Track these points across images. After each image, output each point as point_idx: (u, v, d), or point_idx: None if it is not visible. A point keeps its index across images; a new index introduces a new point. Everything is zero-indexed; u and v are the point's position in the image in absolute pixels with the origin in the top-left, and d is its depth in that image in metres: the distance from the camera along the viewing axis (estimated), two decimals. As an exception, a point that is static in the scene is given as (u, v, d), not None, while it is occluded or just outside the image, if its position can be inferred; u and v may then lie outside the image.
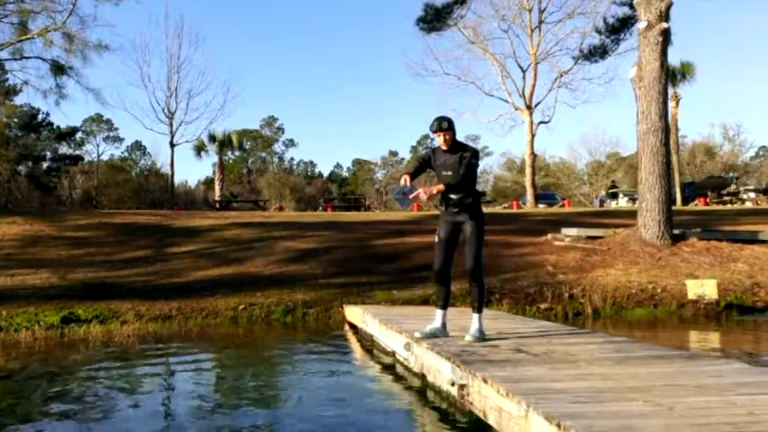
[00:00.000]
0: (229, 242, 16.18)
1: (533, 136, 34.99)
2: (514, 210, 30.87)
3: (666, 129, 13.59)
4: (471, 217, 5.99)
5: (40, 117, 56.46)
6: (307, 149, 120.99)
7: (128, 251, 15.34)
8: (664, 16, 13.51)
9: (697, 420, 3.27)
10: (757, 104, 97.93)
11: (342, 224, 19.00)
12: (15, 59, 26.34)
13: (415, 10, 32.40)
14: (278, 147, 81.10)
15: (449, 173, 5.94)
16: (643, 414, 3.39)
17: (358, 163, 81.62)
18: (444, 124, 5.93)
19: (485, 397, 4.23)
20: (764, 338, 9.35)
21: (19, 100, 48.41)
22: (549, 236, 14.94)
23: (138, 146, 71.58)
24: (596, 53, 30.20)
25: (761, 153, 67.73)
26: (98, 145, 68.92)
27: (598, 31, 29.02)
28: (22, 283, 12.18)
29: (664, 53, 13.52)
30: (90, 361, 7.89)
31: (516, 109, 36.04)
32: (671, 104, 32.65)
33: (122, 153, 71.90)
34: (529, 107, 35.18)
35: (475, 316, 6.07)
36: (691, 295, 10.88)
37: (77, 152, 64.40)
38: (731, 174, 44.55)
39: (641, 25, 13.75)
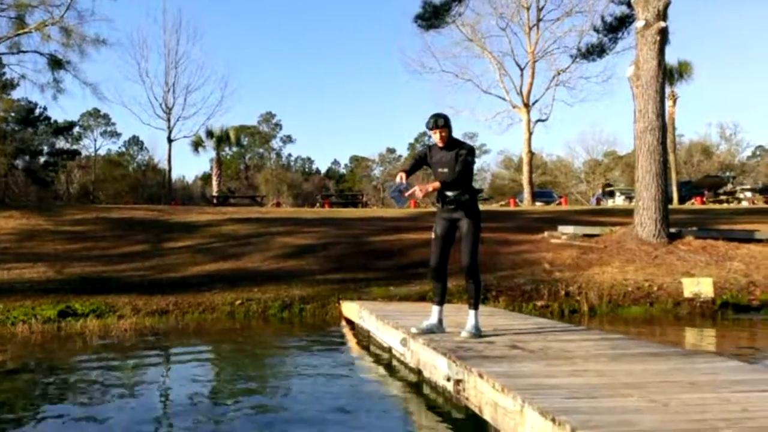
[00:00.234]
0: (227, 238, 16.18)
1: (531, 134, 35.08)
2: (511, 208, 30.91)
3: (663, 128, 13.61)
4: (467, 215, 6.01)
5: (37, 111, 56.38)
6: (305, 146, 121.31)
7: (125, 246, 15.33)
8: (662, 15, 13.53)
9: (692, 416, 3.29)
10: (754, 104, 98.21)
11: (339, 220, 19.01)
12: (12, 53, 26.28)
13: (414, 7, 32.31)
14: (276, 143, 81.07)
15: (445, 170, 5.95)
16: (638, 410, 3.41)
17: (355, 159, 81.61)
18: (440, 122, 5.95)
19: (481, 393, 4.25)
20: (759, 336, 9.39)
21: (16, 94, 48.24)
22: (546, 234, 14.95)
23: (135, 141, 71.47)
24: (594, 52, 30.28)
25: (758, 152, 67.82)
26: (95, 140, 68.84)
27: (596, 30, 29.10)
28: (19, 277, 12.17)
29: (661, 52, 13.53)
30: (87, 355, 7.90)
31: (513, 107, 36.13)
32: (668, 103, 32.65)
33: (119, 148, 71.81)
34: (526, 105, 35.24)
35: (471, 312, 6.09)
36: (687, 293, 10.91)
37: (74, 147, 64.26)
38: (728, 173, 44.68)
39: (639, 23, 13.76)
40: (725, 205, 29.44)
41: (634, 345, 5.80)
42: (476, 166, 6.32)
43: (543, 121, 36.62)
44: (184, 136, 39.52)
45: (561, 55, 36.01)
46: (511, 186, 60.31)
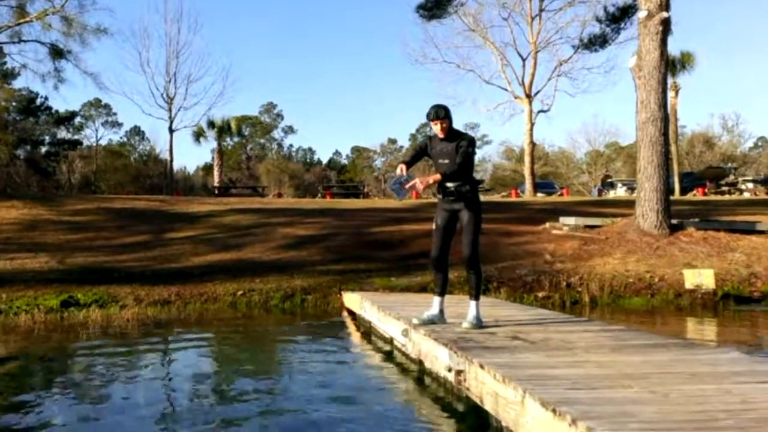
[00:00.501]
0: (228, 228, 16.21)
1: (532, 124, 35.00)
2: (513, 199, 30.89)
3: (665, 119, 13.58)
4: (468, 205, 6.00)
5: (38, 101, 56.32)
6: (306, 136, 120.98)
7: (127, 236, 15.36)
8: (665, 5, 13.48)
9: (692, 407, 3.30)
10: (757, 95, 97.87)
11: (341, 211, 19.02)
12: (13, 42, 26.27)
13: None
14: (277, 133, 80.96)
15: (446, 161, 5.94)
16: (639, 401, 3.42)
17: (357, 150, 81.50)
18: (441, 113, 5.93)
19: (482, 383, 4.27)
20: (760, 328, 9.40)
21: (17, 83, 48.30)
22: (547, 225, 14.96)
23: (137, 131, 71.38)
24: (596, 42, 30.21)
25: (760, 144, 67.75)
26: (97, 130, 68.73)
27: (599, 20, 29.03)
28: (21, 267, 12.20)
29: (664, 43, 13.49)
30: (89, 344, 7.93)
31: (515, 97, 36.03)
32: (670, 94, 32.59)
33: (121, 138, 71.71)
34: (528, 96, 35.16)
35: (472, 303, 6.10)
36: (689, 284, 10.92)
37: (76, 137, 64.22)
38: (730, 164, 44.54)
39: (641, 14, 13.71)
40: (727, 197, 29.41)
41: (635, 336, 5.81)
42: (477, 157, 6.34)
43: (545, 111, 36.56)
44: (186, 127, 39.51)
45: (563, 46, 35.92)
46: (512, 177, 60.24)
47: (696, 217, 14.87)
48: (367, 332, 8.38)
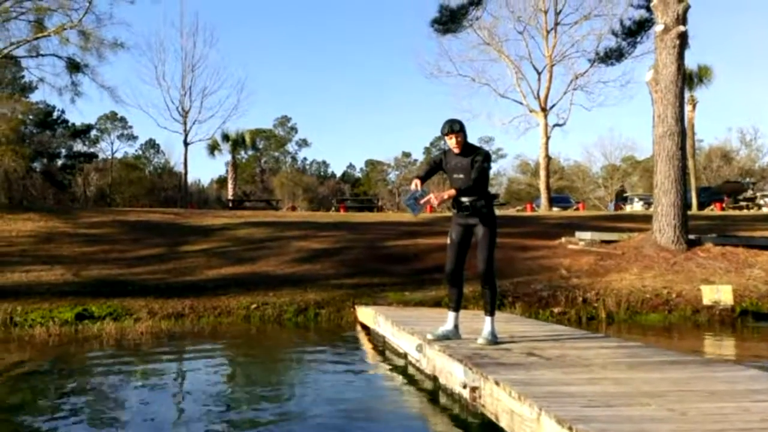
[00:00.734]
0: (242, 241, 16.24)
1: (548, 138, 34.87)
2: (528, 213, 30.79)
3: (682, 133, 13.49)
4: (483, 220, 5.96)
5: (55, 114, 56.95)
6: (320, 149, 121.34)
7: (142, 249, 15.41)
8: (682, 19, 13.43)
9: (710, 426, 3.25)
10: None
11: (354, 225, 19.01)
12: (31, 56, 26.63)
13: (431, 11, 32.35)
14: (291, 147, 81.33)
15: (461, 176, 5.91)
16: (656, 419, 3.37)
17: (370, 163, 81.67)
18: (455, 127, 5.90)
19: (497, 400, 4.22)
20: (779, 345, 9.27)
21: (34, 97, 49.01)
22: (563, 240, 14.88)
23: (152, 144, 71.96)
24: (612, 56, 30.16)
25: (778, 158, 67.14)
26: (112, 143, 69.26)
27: (615, 34, 29.02)
28: (36, 280, 12.26)
29: (681, 57, 13.43)
30: (104, 357, 7.94)
31: (531, 111, 35.95)
32: (688, 108, 32.42)
33: (136, 151, 72.28)
34: (543, 109, 35.07)
35: (488, 319, 6.04)
36: (706, 300, 10.79)
37: (92, 150, 64.85)
38: (748, 179, 44.22)
39: (658, 28, 13.66)
40: (745, 212, 29.17)
41: (652, 353, 5.74)
42: (492, 171, 6.31)
43: (560, 125, 36.37)
44: (200, 140, 39.67)
45: (579, 59, 35.77)
46: (527, 191, 60.15)
47: (714, 232, 14.74)
48: (381, 347, 8.33)
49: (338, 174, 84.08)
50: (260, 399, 5.83)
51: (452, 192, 5.90)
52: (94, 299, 10.97)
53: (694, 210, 28.64)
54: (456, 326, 6.21)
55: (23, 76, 44.85)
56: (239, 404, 5.66)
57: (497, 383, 4.24)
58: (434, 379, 5.85)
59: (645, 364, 5.05)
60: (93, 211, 23.52)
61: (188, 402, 5.81)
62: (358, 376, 6.79)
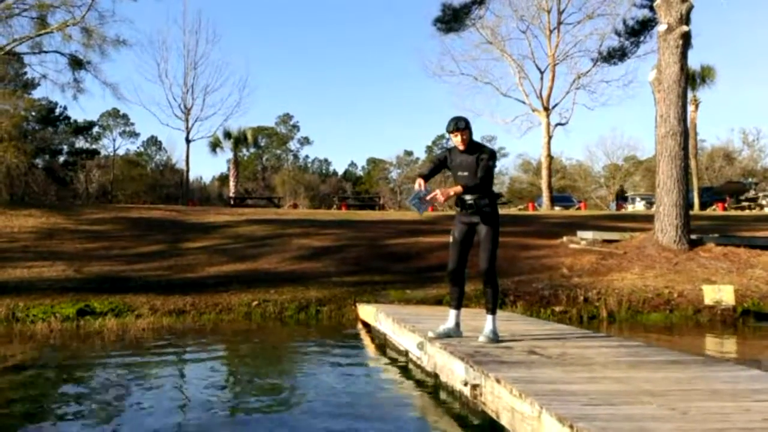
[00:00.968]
0: (244, 239, 16.25)
1: (550, 137, 34.88)
2: (530, 212, 30.78)
3: (685, 133, 13.47)
4: (486, 219, 5.96)
5: (57, 111, 57.02)
6: (322, 147, 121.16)
7: (143, 246, 15.43)
8: (685, 19, 13.41)
9: (711, 425, 3.25)
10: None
11: (356, 223, 19.02)
12: (34, 53, 26.65)
13: (433, 10, 32.32)
14: (293, 144, 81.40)
15: (466, 174, 5.91)
16: (657, 418, 3.37)
17: (372, 162, 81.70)
18: (461, 124, 5.90)
19: (498, 398, 4.22)
20: (781, 345, 9.26)
21: (37, 93, 49.04)
22: (564, 239, 14.88)
23: (154, 141, 72.02)
24: (615, 55, 30.13)
25: (780, 159, 67.03)
26: (114, 140, 69.37)
27: (618, 33, 28.98)
28: (38, 276, 12.27)
29: (684, 56, 13.41)
30: (105, 353, 7.95)
31: (533, 110, 35.96)
32: (690, 108, 32.41)
33: (138, 148, 72.36)
34: (546, 109, 35.07)
35: (489, 317, 6.05)
36: (708, 300, 10.78)
37: (94, 146, 64.95)
38: (750, 179, 44.15)
39: (661, 27, 13.64)
40: (747, 212, 29.13)
41: (654, 352, 5.74)
42: (495, 170, 6.26)
43: (563, 124, 36.40)
44: (202, 137, 39.76)
45: (582, 59, 35.80)
46: (529, 190, 60.12)
47: (716, 232, 14.73)
48: (382, 345, 8.33)
49: (340, 172, 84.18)
50: (261, 396, 5.84)
51: (458, 189, 5.90)
52: (95, 295, 10.98)
53: (696, 210, 28.62)
54: (457, 324, 6.22)
55: (26, 73, 44.86)
56: (238, 402, 5.67)
57: (498, 381, 4.25)
58: (435, 376, 5.86)
59: (646, 363, 5.05)
60: (95, 208, 23.54)
61: (189, 398, 5.82)
62: (358, 374, 6.79)
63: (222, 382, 6.50)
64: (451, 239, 6.17)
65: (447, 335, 6.09)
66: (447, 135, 6.07)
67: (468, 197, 5.95)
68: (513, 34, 36.38)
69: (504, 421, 4.13)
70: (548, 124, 34.99)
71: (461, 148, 5.95)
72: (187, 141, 37.69)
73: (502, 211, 6.25)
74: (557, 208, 33.91)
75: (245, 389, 6.21)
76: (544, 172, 35.04)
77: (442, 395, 5.59)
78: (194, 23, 40.88)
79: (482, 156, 5.88)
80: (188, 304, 10.78)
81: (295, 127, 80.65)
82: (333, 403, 5.37)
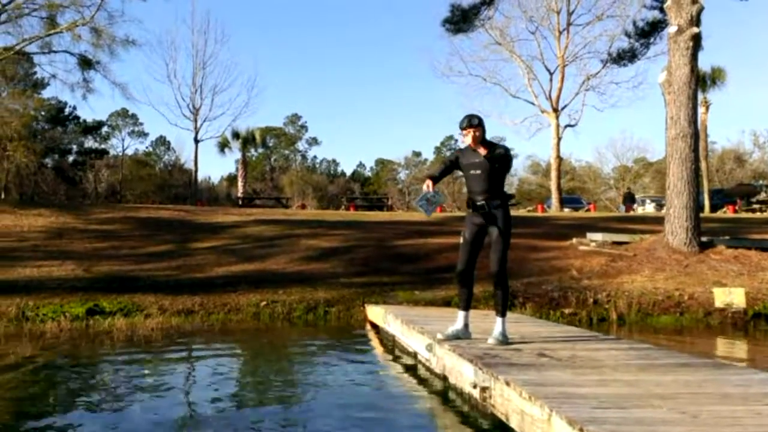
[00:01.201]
0: (252, 239, 16.26)
1: (559, 139, 34.75)
2: (539, 213, 30.70)
3: (695, 135, 13.41)
4: (498, 220, 5.91)
5: (66, 110, 57.28)
6: (330, 148, 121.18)
7: (152, 245, 15.46)
8: (695, 20, 13.35)
9: (722, 429, 3.22)
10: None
11: (364, 224, 19.01)
12: (43, 53, 26.74)
13: (442, 10, 32.26)
14: (301, 145, 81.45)
15: (478, 172, 5.87)
16: (667, 421, 3.34)
17: (381, 162, 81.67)
18: (474, 121, 5.86)
19: (508, 400, 4.19)
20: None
21: (46, 93, 49.29)
22: (574, 241, 14.83)
23: (162, 141, 72.19)
24: (625, 57, 29.99)
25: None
26: (123, 140, 69.58)
27: (628, 35, 28.83)
28: (48, 275, 12.31)
29: (694, 58, 13.35)
30: (114, 353, 7.97)
31: (542, 111, 35.86)
32: (701, 110, 32.31)
33: (147, 148, 72.55)
34: (555, 110, 34.96)
35: (499, 319, 6.01)
36: (719, 303, 10.73)
37: (103, 146, 65.20)
38: (761, 182, 43.89)
39: (671, 29, 13.59)
40: (758, 214, 28.98)
41: (664, 355, 5.70)
42: (510, 168, 6.20)
43: (572, 126, 36.23)
44: (211, 137, 39.81)
45: (591, 60, 35.64)
46: (538, 191, 59.95)
47: (726, 234, 14.66)
48: (391, 346, 8.32)
49: (348, 173, 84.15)
50: (269, 396, 5.84)
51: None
52: (104, 295, 11.01)
53: (706, 212, 28.47)
54: (466, 325, 6.18)
55: (35, 73, 45.10)
56: (247, 402, 5.67)
57: (508, 383, 4.22)
58: (444, 378, 5.83)
59: (656, 366, 5.01)
60: (104, 207, 23.62)
61: (198, 397, 5.82)
62: (367, 375, 6.78)
63: (230, 383, 6.50)
64: (461, 240, 6.12)
65: (456, 337, 6.06)
66: (459, 132, 6.02)
67: (479, 198, 5.91)
68: (522, 35, 36.27)
69: (513, 423, 4.11)
70: (557, 125, 34.88)
71: (472, 145, 5.90)
72: (196, 141, 37.77)
73: (511, 212, 6.20)
74: (566, 210, 33.78)
75: (253, 390, 6.21)
76: (554, 174, 34.93)
77: (451, 397, 5.57)
78: (203, 23, 40.83)
79: (497, 151, 5.84)
80: (197, 304, 10.80)
81: (304, 127, 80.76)
82: (341, 405, 5.36)
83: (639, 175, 60.32)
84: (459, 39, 32.65)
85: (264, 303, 10.92)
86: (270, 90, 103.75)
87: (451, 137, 75.92)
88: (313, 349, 8.49)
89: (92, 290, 11.28)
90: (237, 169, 47.05)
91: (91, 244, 15.37)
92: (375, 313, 9.78)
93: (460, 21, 25.78)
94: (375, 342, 8.85)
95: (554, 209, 33.38)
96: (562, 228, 17.59)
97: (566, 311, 10.69)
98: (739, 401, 3.84)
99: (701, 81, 29.37)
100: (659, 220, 15.19)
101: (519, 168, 71.06)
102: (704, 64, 30.65)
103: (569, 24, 35.32)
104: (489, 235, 5.95)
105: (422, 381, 6.36)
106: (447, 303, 10.51)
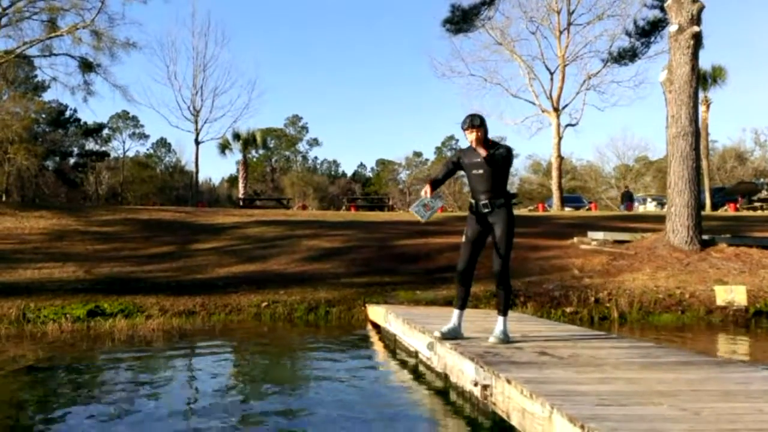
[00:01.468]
0: (253, 240, 16.26)
1: (560, 138, 34.75)
2: (540, 213, 30.68)
3: (696, 133, 13.40)
4: (501, 219, 5.90)
5: (67, 113, 57.42)
6: (331, 149, 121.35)
7: (153, 247, 15.47)
8: (696, 19, 13.34)
9: (724, 426, 3.22)
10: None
11: (365, 224, 19.01)
12: (44, 56, 26.83)
13: (442, 11, 32.24)
14: (302, 146, 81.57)
15: (480, 171, 5.87)
16: (669, 418, 3.34)
17: (381, 163, 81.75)
18: (476, 121, 5.86)
19: (509, 398, 4.19)
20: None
21: (47, 96, 49.47)
22: (575, 239, 14.82)
23: (163, 143, 72.34)
24: (626, 56, 30.00)
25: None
26: (124, 142, 69.78)
27: (628, 34, 28.87)
28: (49, 276, 12.32)
29: (695, 57, 13.34)
30: (115, 354, 7.96)
31: (543, 111, 35.85)
32: (702, 108, 32.30)
33: (147, 150, 72.74)
34: (556, 109, 34.95)
35: (500, 318, 6.01)
36: (720, 301, 10.72)
37: (103, 148, 65.35)
38: (762, 180, 43.85)
39: (672, 28, 13.58)
40: (759, 212, 28.93)
41: (665, 353, 5.70)
42: (511, 167, 6.21)
43: (573, 125, 36.23)
44: (211, 139, 39.88)
45: (592, 59, 35.63)
46: (539, 191, 59.98)
47: (727, 232, 14.65)
48: (392, 345, 8.31)
49: (349, 173, 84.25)
50: (271, 396, 5.83)
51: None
52: (105, 296, 11.01)
53: (707, 211, 28.45)
54: (460, 324, 6.18)
55: (36, 76, 45.23)
56: (249, 401, 5.66)
57: (509, 381, 4.22)
58: (445, 377, 5.83)
59: (658, 364, 5.01)
60: (105, 209, 23.62)
61: (199, 398, 5.82)
62: (368, 375, 6.77)
63: (231, 383, 6.49)
64: (463, 239, 6.12)
65: (454, 334, 6.06)
66: (462, 132, 6.03)
67: (482, 197, 5.91)
68: (522, 35, 36.32)
69: (514, 421, 4.11)
70: (558, 124, 34.87)
71: (475, 145, 5.90)
72: (197, 143, 37.82)
73: (513, 211, 6.18)
74: (567, 209, 33.78)
75: (255, 389, 6.20)
76: (555, 173, 34.92)
77: (452, 396, 5.57)
78: (203, 25, 41.16)
79: (499, 150, 5.85)
80: (198, 305, 10.80)
81: (304, 128, 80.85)
82: (342, 404, 5.35)
83: (640, 174, 60.33)
84: (459, 39, 32.72)
85: (265, 303, 10.92)
86: (271, 91, 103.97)
87: (452, 137, 76.03)
88: (314, 349, 8.48)
89: (93, 292, 11.28)
90: (238, 171, 47.03)
91: (92, 245, 15.38)
92: (376, 312, 9.78)
93: (461, 21, 25.83)
94: (376, 341, 8.85)
95: (555, 208, 33.37)
96: (563, 227, 17.59)
97: (567, 310, 10.68)
98: (740, 398, 3.84)
99: (702, 79, 29.34)
100: (660, 219, 15.18)
101: (520, 167, 71.11)
102: (705, 62, 30.70)
103: (570, 23, 35.32)
104: (492, 234, 5.95)
105: (423, 379, 6.36)
106: (448, 302, 10.48)
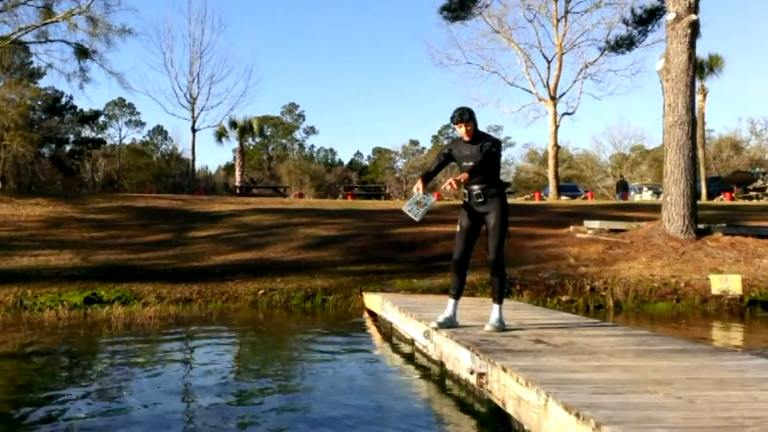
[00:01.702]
0: (250, 228, 16.26)
1: (557, 127, 34.71)
2: (536, 201, 30.70)
3: (693, 122, 13.40)
4: (495, 208, 5.93)
5: (63, 100, 57.18)
6: (328, 137, 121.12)
7: (150, 234, 15.46)
8: (693, 7, 13.31)
9: (718, 413, 3.23)
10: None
11: (362, 212, 19.00)
12: (40, 42, 26.72)
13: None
14: (299, 134, 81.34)
15: (471, 164, 5.88)
16: (664, 406, 3.36)
17: (378, 151, 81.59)
18: (465, 115, 5.88)
19: (504, 386, 4.22)
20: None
21: (43, 83, 49.27)
22: (571, 228, 14.85)
23: (159, 131, 72.03)
24: (623, 44, 29.84)
25: (788, 148, 66.67)
26: (120, 129, 69.47)
27: (626, 22, 28.67)
28: (45, 264, 12.31)
29: (692, 46, 13.32)
30: (113, 341, 7.98)
31: (540, 99, 35.79)
32: (698, 97, 32.24)
33: (144, 137, 72.41)
34: (553, 98, 34.90)
35: (495, 306, 6.04)
36: (715, 290, 10.76)
37: (100, 136, 65.17)
38: (758, 169, 43.84)
39: (669, 16, 13.55)
40: (755, 202, 29.01)
41: (661, 341, 5.72)
42: (501, 159, 6.23)
43: (569, 114, 36.19)
44: (208, 126, 39.78)
45: (589, 48, 35.58)
46: (535, 179, 60.00)
47: (723, 222, 14.67)
48: (388, 333, 8.34)
49: (346, 162, 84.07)
50: (265, 385, 5.84)
51: (465, 175, 5.85)
52: (102, 284, 11.02)
53: (703, 200, 28.51)
54: (454, 313, 6.20)
55: (32, 62, 44.97)
56: (244, 390, 5.68)
57: (504, 369, 4.24)
58: (441, 365, 5.86)
59: (653, 352, 5.04)
60: (101, 197, 23.59)
61: (195, 387, 5.83)
62: (364, 362, 6.80)
63: (228, 370, 6.51)
64: (458, 228, 6.15)
65: (450, 324, 6.09)
66: (452, 126, 6.04)
67: (476, 187, 5.93)
68: (520, 23, 36.18)
69: (510, 409, 4.13)
70: (555, 113, 34.82)
71: (466, 138, 5.93)
72: (193, 130, 37.72)
73: (508, 200, 6.19)
74: (564, 198, 33.76)
75: (251, 377, 6.22)
76: (551, 162, 34.91)
77: (448, 384, 5.59)
78: (200, 12, 41.02)
79: (486, 143, 5.87)
80: (195, 293, 10.82)
81: (301, 116, 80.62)
82: (338, 392, 5.38)
83: (636, 163, 60.38)
84: (457, 27, 32.61)
85: (262, 291, 10.94)
86: (267, 79, 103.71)
87: (448, 126, 75.74)
88: (310, 337, 8.51)
89: (90, 279, 11.29)
90: (234, 158, 47.01)
91: (89, 233, 15.37)
92: (372, 300, 9.80)
93: (458, 9, 25.69)
94: (372, 329, 8.88)
95: (551, 197, 33.37)
96: (559, 216, 17.61)
97: (563, 298, 10.72)
98: (735, 386, 3.86)
99: (699, 68, 29.22)
100: (656, 208, 15.20)
101: (516, 156, 71.27)
102: (702, 51, 30.73)
103: (567, 12, 35.23)
104: (486, 223, 5.97)
105: (419, 367, 6.38)
106: (444, 291, 10.47)
